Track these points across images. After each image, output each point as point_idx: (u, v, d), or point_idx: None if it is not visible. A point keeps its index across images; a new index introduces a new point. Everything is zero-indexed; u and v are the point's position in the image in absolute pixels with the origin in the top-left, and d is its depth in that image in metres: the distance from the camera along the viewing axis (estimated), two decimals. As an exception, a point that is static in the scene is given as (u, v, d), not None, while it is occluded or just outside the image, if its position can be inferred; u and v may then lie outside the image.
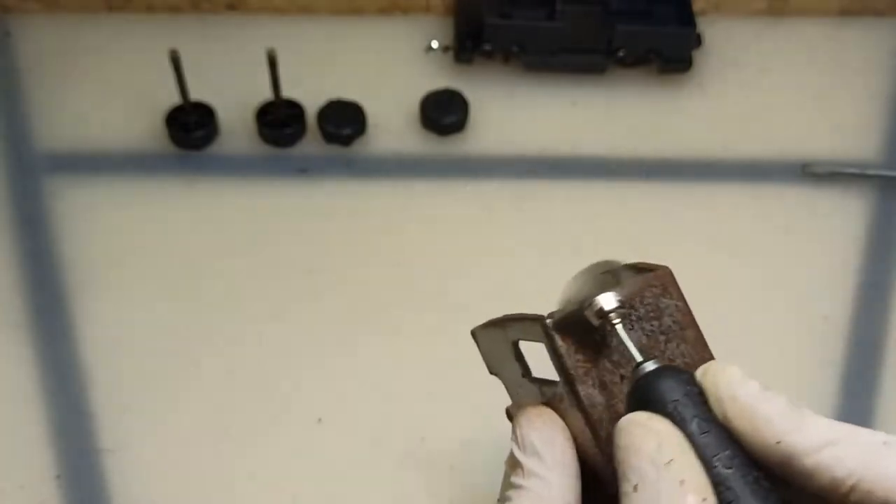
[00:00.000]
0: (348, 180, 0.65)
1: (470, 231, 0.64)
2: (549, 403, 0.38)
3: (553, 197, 0.66)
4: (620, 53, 0.68)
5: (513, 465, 0.37)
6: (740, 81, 0.71)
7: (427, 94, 0.67)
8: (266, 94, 0.65)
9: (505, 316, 0.39)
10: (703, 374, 0.34)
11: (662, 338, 0.36)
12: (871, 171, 0.66)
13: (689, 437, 0.32)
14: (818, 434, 0.32)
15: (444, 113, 0.67)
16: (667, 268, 0.38)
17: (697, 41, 0.69)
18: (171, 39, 0.62)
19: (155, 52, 0.63)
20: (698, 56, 0.70)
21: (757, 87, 0.71)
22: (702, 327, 0.38)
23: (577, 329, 0.35)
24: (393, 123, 0.67)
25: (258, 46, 0.62)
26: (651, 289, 0.37)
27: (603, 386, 0.35)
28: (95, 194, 0.64)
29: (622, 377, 0.36)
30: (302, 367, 0.58)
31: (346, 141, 0.66)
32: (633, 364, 0.34)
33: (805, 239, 0.64)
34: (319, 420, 0.57)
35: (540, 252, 0.63)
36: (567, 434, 0.37)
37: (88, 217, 0.64)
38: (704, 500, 0.30)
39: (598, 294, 0.34)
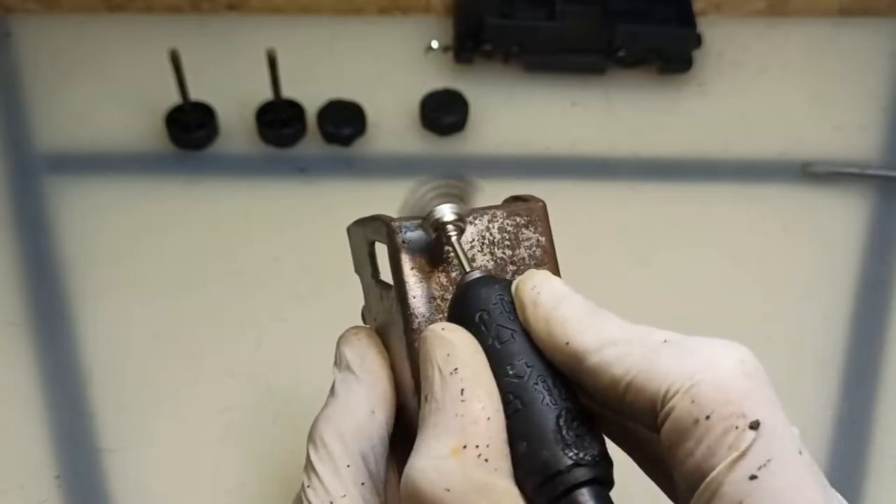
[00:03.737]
0: (348, 180, 0.65)
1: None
2: (383, 325, 0.38)
3: (553, 197, 0.65)
4: (620, 53, 0.68)
5: (332, 383, 0.38)
6: (740, 81, 0.71)
7: (427, 94, 0.67)
8: (266, 94, 0.65)
9: (371, 215, 0.39)
10: (515, 282, 0.33)
11: (512, 268, 0.36)
12: (871, 171, 0.66)
13: (489, 346, 0.32)
14: (603, 334, 0.31)
15: (444, 113, 0.67)
16: (541, 202, 0.38)
17: (697, 41, 0.69)
18: (171, 39, 0.62)
19: (155, 52, 0.63)
20: (698, 56, 0.70)
21: (757, 87, 0.71)
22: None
23: (422, 244, 0.36)
24: (393, 123, 0.67)
25: (258, 46, 0.62)
26: (514, 217, 0.37)
27: (431, 298, 0.35)
28: (95, 194, 0.64)
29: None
30: (302, 367, 0.58)
31: (346, 141, 0.66)
32: (461, 273, 0.34)
33: (805, 239, 0.64)
34: (319, 420, 0.57)
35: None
36: (379, 349, 0.38)
37: (88, 217, 0.64)
38: (483, 408, 0.30)
39: (438, 205, 0.34)
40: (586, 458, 0.29)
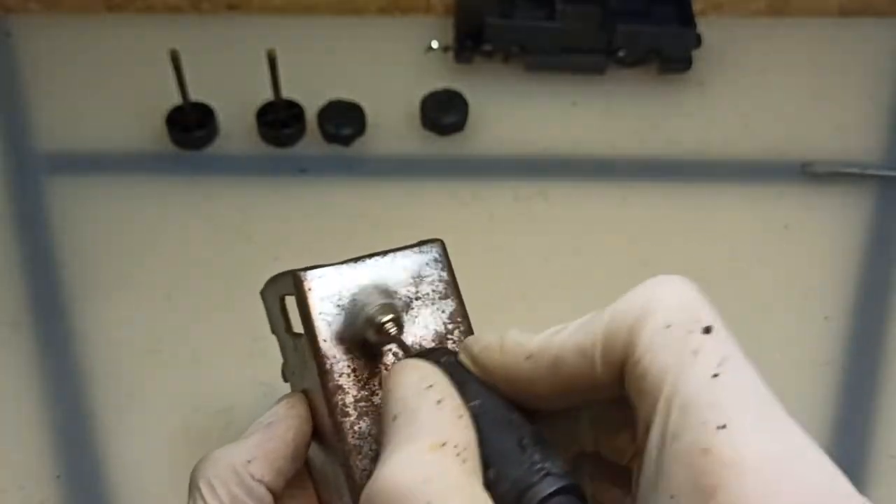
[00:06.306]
0: (348, 180, 0.65)
1: (469, 231, 0.64)
2: (299, 376, 0.39)
3: (553, 197, 0.66)
4: (620, 53, 0.68)
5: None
6: (740, 81, 0.71)
7: (427, 94, 0.67)
8: (266, 94, 0.65)
9: (280, 272, 0.40)
10: (461, 349, 0.34)
11: (417, 302, 0.37)
12: (871, 171, 0.66)
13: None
14: (540, 335, 0.32)
15: (444, 113, 0.67)
16: (439, 240, 0.39)
17: (697, 41, 0.69)
18: (171, 39, 0.62)
19: (155, 52, 0.63)
20: (698, 56, 0.70)
21: (757, 87, 0.71)
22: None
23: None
24: (393, 123, 0.67)
25: (258, 46, 0.62)
26: (412, 257, 0.38)
27: (341, 340, 0.36)
28: (95, 194, 0.64)
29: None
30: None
31: (346, 141, 0.66)
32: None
33: (805, 239, 0.64)
34: (319, 420, 0.57)
35: (540, 251, 0.63)
36: (294, 411, 0.37)
37: (88, 217, 0.64)
38: (461, 416, 0.30)
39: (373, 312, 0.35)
40: (555, 469, 0.30)
